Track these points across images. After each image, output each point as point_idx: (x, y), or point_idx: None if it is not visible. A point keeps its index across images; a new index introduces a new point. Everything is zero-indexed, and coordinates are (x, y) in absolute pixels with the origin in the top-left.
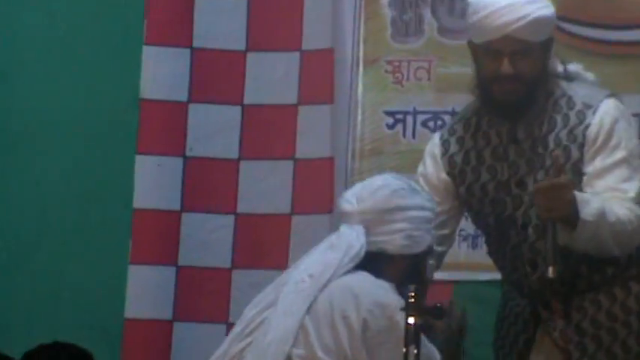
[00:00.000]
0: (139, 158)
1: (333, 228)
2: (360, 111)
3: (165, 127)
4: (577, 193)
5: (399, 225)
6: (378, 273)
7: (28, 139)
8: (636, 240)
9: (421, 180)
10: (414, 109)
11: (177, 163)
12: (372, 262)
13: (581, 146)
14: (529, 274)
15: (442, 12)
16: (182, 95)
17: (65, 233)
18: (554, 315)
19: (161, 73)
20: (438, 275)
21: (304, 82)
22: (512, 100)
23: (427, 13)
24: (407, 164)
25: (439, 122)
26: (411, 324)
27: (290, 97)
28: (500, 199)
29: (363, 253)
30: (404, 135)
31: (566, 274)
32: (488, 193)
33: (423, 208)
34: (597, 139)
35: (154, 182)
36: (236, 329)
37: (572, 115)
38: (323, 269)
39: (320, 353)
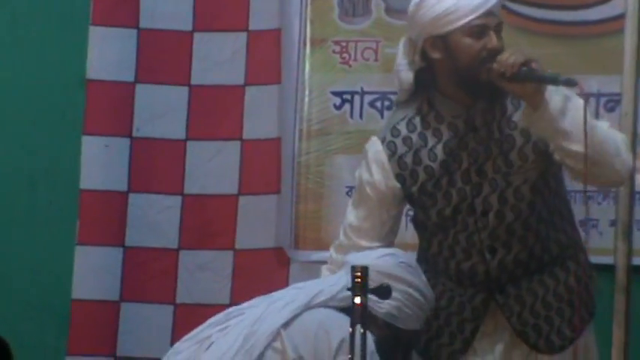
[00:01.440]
0: (85, 139)
1: (280, 208)
2: (307, 92)
3: (112, 108)
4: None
5: (394, 294)
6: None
7: None
8: (608, 149)
9: (367, 188)
10: (362, 89)
11: (124, 143)
12: None
13: (523, 131)
14: (488, 261)
15: None
16: (129, 76)
17: (12, 214)
18: (510, 299)
19: (108, 53)
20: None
21: (251, 62)
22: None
23: None
24: (354, 145)
25: (386, 102)
26: (357, 304)
27: (237, 77)
28: (459, 189)
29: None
30: (351, 115)
31: (523, 255)
32: (441, 187)
33: (421, 293)
34: None
35: (100, 163)
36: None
37: (508, 103)
38: (322, 288)
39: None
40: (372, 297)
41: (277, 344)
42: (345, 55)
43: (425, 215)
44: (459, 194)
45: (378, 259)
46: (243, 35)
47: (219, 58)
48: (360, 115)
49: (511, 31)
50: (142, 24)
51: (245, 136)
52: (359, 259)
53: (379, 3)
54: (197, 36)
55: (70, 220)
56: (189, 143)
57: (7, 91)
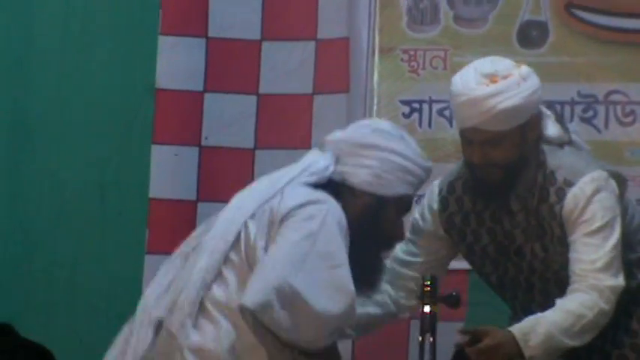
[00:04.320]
0: (155, 148)
1: None
2: (375, 100)
3: (181, 117)
4: (516, 331)
5: (368, 161)
6: (338, 202)
7: (44, 130)
8: (604, 320)
9: (416, 228)
10: (430, 98)
11: (193, 152)
12: (335, 191)
13: (561, 225)
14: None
15: (458, 1)
16: (198, 85)
17: (82, 223)
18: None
19: (177, 62)
20: (453, 264)
21: (320, 71)
22: (489, 184)
23: (443, 2)
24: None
25: None
26: (426, 312)
27: (305, 86)
28: (502, 262)
29: (328, 173)
30: (420, 124)
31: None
32: (489, 254)
33: (404, 157)
34: (571, 217)
35: (170, 172)
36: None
37: (552, 191)
38: (280, 176)
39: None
40: (346, 168)
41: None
42: (413, 63)
43: (479, 273)
44: (502, 267)
45: (353, 131)
46: (312, 44)
47: (287, 66)
48: (429, 124)
49: (579, 39)
50: (211, 33)
51: (313, 145)
52: (337, 135)
53: (448, 11)
54: (265, 45)
55: (140, 229)
56: (257, 152)
57: (78, 100)
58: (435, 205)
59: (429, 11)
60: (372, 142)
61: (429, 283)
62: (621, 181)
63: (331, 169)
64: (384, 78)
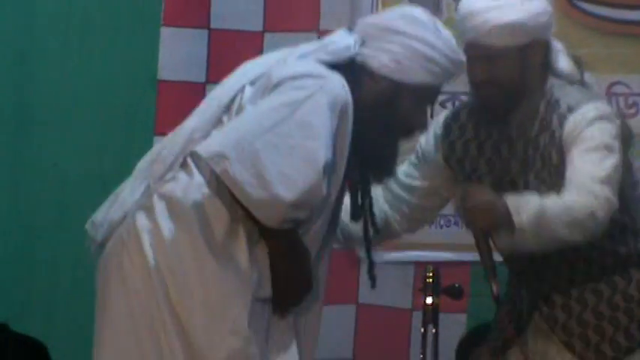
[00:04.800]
0: (157, 139)
1: None
2: None
3: (183, 108)
4: (510, 200)
5: (391, 46)
6: (355, 84)
7: (46, 121)
8: (607, 214)
9: (419, 152)
10: None
11: None
12: (354, 72)
13: (560, 151)
14: (527, 270)
15: None
16: (200, 76)
17: (84, 214)
18: (555, 309)
19: (179, 53)
20: (455, 256)
21: None
22: (491, 105)
23: None
24: None
25: (457, 103)
26: (429, 304)
27: None
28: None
29: (348, 54)
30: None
31: (564, 269)
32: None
33: (430, 46)
34: (570, 138)
35: None
36: None
37: (554, 119)
38: (296, 50)
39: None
40: (368, 51)
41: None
42: None
43: None
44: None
45: (384, 15)
46: (314, 36)
47: None
48: (431, 115)
49: (582, 31)
50: (213, 24)
51: None
52: (368, 18)
53: (450, 3)
54: (267, 36)
55: None
56: None
57: (79, 92)
58: (439, 131)
59: (431, 3)
60: (399, 28)
61: (430, 274)
62: (627, 130)
63: (353, 50)
64: None
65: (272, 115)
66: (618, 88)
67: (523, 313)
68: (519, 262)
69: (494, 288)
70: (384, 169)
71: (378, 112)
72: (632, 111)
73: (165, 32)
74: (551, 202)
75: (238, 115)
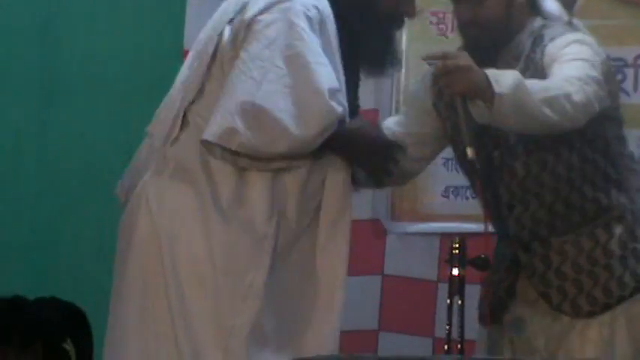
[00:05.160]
0: None
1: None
2: (404, 62)
3: None
4: (489, 71)
5: None
6: None
7: (71, 91)
8: (585, 103)
9: (409, 100)
10: None
11: None
12: None
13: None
14: (506, 217)
15: None
16: None
17: (110, 185)
18: (534, 259)
19: (205, 24)
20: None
21: None
22: (478, 46)
23: None
24: None
25: None
26: (455, 275)
27: None
28: (480, 138)
29: None
30: None
31: (542, 213)
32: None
33: None
34: (551, 59)
35: None
36: None
37: (538, 51)
38: None
39: None
40: None
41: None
42: (441, 26)
43: (461, 161)
44: (480, 145)
45: None
46: None
47: None
48: None
49: (608, 2)
50: None
51: None
52: None
53: None
54: None
55: None
56: None
57: (106, 62)
58: (427, 78)
59: None
60: None
61: (457, 245)
62: (616, 84)
63: None
64: (412, 40)
65: (257, 64)
66: None
67: (510, 272)
68: (498, 209)
69: (469, 152)
70: (382, 62)
71: (363, 8)
72: None
73: (191, 2)
74: (530, 81)
75: (225, 66)
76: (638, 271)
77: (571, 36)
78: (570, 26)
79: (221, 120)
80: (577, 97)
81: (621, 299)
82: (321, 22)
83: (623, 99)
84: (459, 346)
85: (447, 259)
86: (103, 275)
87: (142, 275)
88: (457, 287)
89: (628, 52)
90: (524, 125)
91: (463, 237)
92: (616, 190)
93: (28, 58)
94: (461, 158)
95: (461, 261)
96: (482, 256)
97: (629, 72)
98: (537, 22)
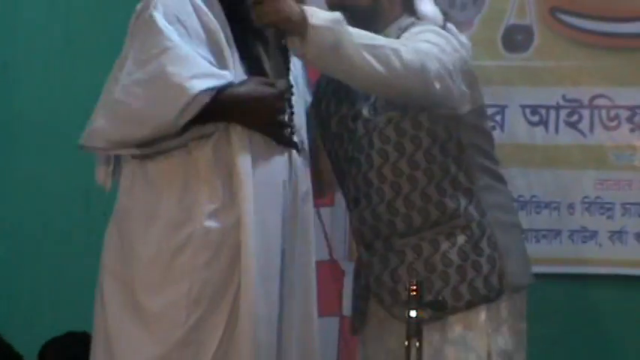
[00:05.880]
0: None
1: (334, 220)
2: None
3: None
4: (307, 7)
5: None
6: None
7: (28, 135)
8: (418, 67)
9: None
10: None
11: None
12: None
13: None
14: (352, 211)
15: (444, 4)
16: None
17: (68, 229)
18: (374, 258)
19: None
20: None
21: None
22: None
23: None
24: None
25: None
26: (413, 317)
27: None
28: (339, 131)
29: None
30: None
31: (382, 209)
32: (330, 126)
33: None
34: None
35: None
36: None
37: None
38: None
39: None
40: None
41: None
42: None
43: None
44: (338, 137)
45: None
46: None
47: None
48: None
49: (564, 43)
50: None
51: None
52: None
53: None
54: None
55: None
56: None
57: (63, 104)
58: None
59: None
60: None
61: (414, 287)
62: (473, 73)
63: None
64: None
65: (119, 65)
66: (601, 101)
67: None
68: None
69: (280, 84)
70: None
71: None
72: (614, 123)
73: None
74: (356, 29)
75: None
76: (475, 284)
77: (431, 27)
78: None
79: (88, 124)
80: (408, 56)
81: (454, 310)
82: (177, 11)
83: (580, 139)
84: None
85: (405, 301)
86: (61, 319)
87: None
88: (415, 329)
89: (584, 93)
90: (346, 73)
91: (420, 279)
92: (466, 199)
93: None
94: (331, 154)
95: (419, 303)
96: (440, 298)
97: (585, 113)
98: (408, 20)
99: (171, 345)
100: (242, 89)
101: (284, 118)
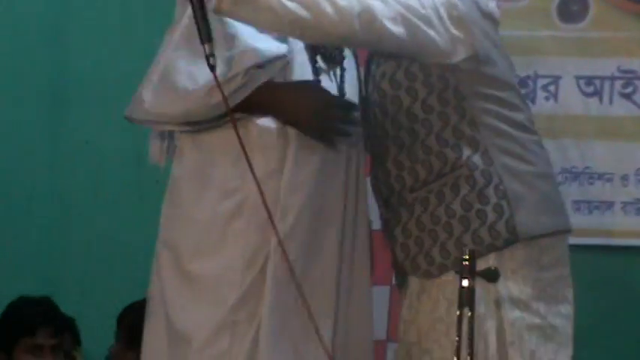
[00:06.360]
0: None
1: None
2: None
3: None
4: None
5: None
6: None
7: (81, 98)
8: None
9: None
10: None
11: None
12: None
13: None
14: (371, 171)
15: None
16: None
17: (119, 192)
18: (390, 214)
19: None
20: None
21: None
22: None
23: None
24: None
25: None
26: (465, 286)
27: None
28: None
29: None
30: None
31: (389, 164)
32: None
33: None
34: None
35: None
36: None
37: None
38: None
39: None
40: None
41: None
42: None
43: None
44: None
45: None
46: None
47: None
48: None
49: (620, 14)
50: None
51: None
52: None
53: None
54: None
55: None
56: None
57: (115, 68)
58: None
59: None
60: None
61: (467, 257)
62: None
63: None
64: None
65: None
66: None
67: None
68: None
69: (207, 49)
70: None
71: None
72: None
73: None
74: None
75: None
76: (480, 233)
77: None
78: None
79: (135, 94)
80: (342, 3)
81: (459, 262)
82: None
83: (634, 111)
84: (468, 358)
85: (457, 270)
86: (111, 284)
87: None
88: (466, 299)
89: (639, 65)
90: (257, 15)
91: (473, 248)
92: (470, 149)
93: (39, 63)
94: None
95: (470, 272)
96: (493, 268)
97: None
98: None
99: (227, 308)
100: (303, 86)
101: (347, 128)
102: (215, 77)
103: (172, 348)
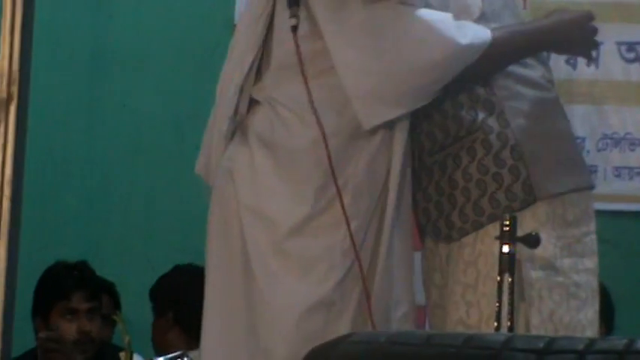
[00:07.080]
0: None
1: None
2: None
3: None
4: None
5: None
6: None
7: (122, 63)
8: None
9: None
10: None
11: None
12: None
13: None
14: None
15: None
16: None
17: (158, 157)
18: (414, 177)
19: None
20: None
21: None
22: None
23: None
24: None
25: None
26: (505, 253)
27: None
28: None
29: None
30: None
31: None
32: None
33: None
34: None
35: None
36: None
37: None
38: None
39: None
40: None
41: None
42: None
43: None
44: None
45: None
46: None
47: None
48: None
49: None
50: None
51: None
52: None
53: None
54: None
55: None
56: None
57: (156, 34)
58: None
59: None
60: None
61: (507, 222)
62: None
63: None
64: None
65: None
66: None
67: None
68: None
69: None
70: None
71: None
72: None
73: None
74: None
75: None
76: (497, 196)
77: None
78: None
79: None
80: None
81: (477, 225)
82: None
83: None
84: (509, 323)
85: (497, 236)
86: (150, 248)
87: (228, 247)
88: (507, 264)
89: None
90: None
91: (514, 214)
92: (486, 111)
93: (80, 27)
94: None
95: (511, 238)
96: (533, 233)
97: None
98: None
99: (330, 286)
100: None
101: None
102: (295, 40)
103: (256, 319)
